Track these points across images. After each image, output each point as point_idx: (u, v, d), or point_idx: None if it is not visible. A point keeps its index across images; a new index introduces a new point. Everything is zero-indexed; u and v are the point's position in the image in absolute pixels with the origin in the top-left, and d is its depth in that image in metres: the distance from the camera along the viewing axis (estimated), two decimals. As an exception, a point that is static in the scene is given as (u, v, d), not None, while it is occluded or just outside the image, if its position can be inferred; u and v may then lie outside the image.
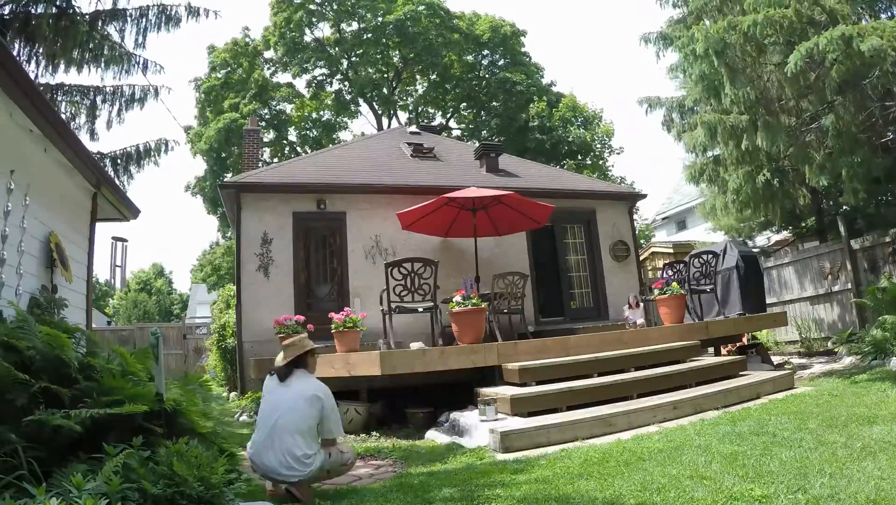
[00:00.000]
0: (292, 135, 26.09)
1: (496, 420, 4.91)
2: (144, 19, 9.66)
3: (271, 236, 8.95)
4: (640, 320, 8.94)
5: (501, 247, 9.95)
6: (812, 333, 10.66)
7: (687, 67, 8.89)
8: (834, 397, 5.31)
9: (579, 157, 24.62)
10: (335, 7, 24.74)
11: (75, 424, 2.62)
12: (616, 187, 15.01)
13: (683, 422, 4.79)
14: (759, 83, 8.30)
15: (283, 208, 9.15)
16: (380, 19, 24.34)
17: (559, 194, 10.75)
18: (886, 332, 7.19)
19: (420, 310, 6.85)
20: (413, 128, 15.30)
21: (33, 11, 8.61)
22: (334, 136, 26.14)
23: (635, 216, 13.48)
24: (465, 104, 26.91)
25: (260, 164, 13.42)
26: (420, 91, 27.88)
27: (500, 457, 4.25)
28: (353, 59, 25.42)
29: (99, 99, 10.12)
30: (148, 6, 9.70)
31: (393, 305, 6.76)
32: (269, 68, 25.43)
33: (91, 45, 9.44)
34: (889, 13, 9.17)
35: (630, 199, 12.05)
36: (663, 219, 27.36)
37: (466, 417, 5.25)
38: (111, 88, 10.20)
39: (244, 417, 7.59)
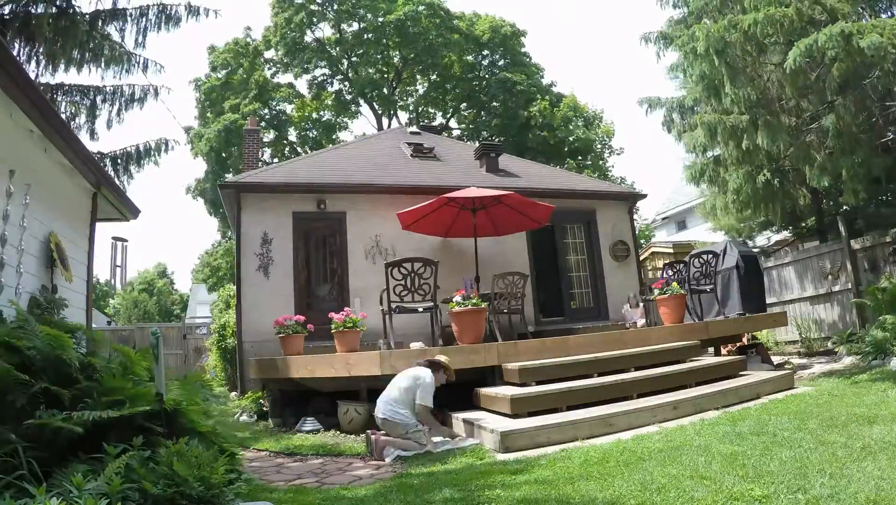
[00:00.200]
0: (292, 135, 26.09)
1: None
2: (144, 19, 9.66)
3: (271, 236, 8.95)
4: (641, 321, 8.94)
5: (501, 247, 9.95)
6: (812, 333, 10.66)
7: (687, 67, 8.89)
8: (834, 397, 5.31)
9: (579, 158, 24.62)
10: (336, 7, 24.73)
11: (76, 427, 2.62)
12: (616, 187, 15.00)
13: (683, 422, 4.79)
14: (759, 83, 8.31)
15: (283, 208, 9.14)
16: (380, 19, 24.33)
17: (559, 194, 10.74)
18: (886, 332, 7.19)
19: (420, 310, 6.85)
20: (413, 128, 15.29)
21: (33, 11, 8.62)
22: (334, 136, 26.14)
23: (635, 216, 13.48)
24: (465, 104, 26.91)
25: (260, 165, 13.42)
26: (420, 91, 27.88)
27: (500, 457, 4.25)
28: (354, 59, 25.42)
29: (99, 99, 10.13)
30: (148, 6, 9.71)
31: (393, 305, 6.76)
32: (269, 68, 25.43)
33: (91, 45, 9.44)
34: (890, 12, 9.17)
35: (630, 199, 12.04)
36: (663, 219, 27.37)
37: (467, 418, 5.25)
38: (111, 88, 10.21)
39: (244, 417, 7.60)
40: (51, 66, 9.23)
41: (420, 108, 27.92)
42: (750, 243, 13.63)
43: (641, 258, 14.06)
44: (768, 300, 10.85)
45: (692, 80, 9.20)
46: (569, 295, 10.78)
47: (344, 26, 25.46)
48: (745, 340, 8.80)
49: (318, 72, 25.67)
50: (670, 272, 8.21)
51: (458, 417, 5.36)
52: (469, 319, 6.22)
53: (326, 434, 5.95)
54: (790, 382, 6.21)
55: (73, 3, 8.94)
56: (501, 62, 25.94)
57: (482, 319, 6.39)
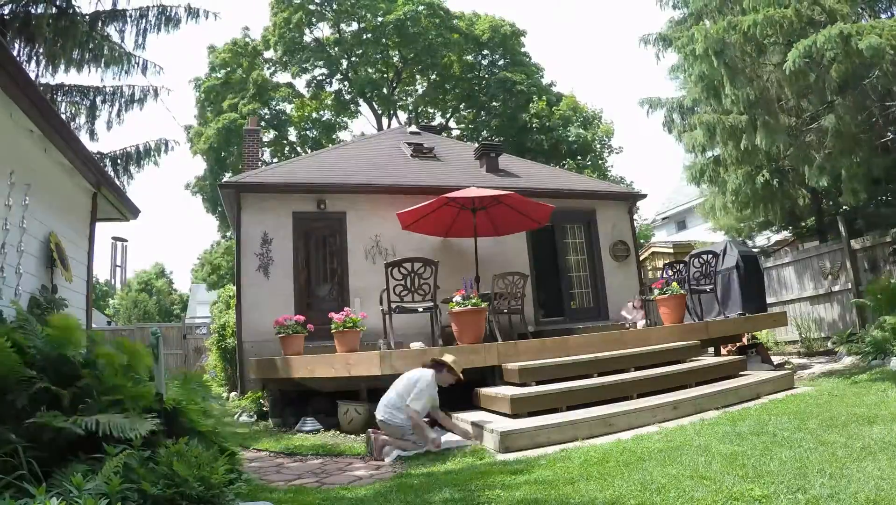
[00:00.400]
0: (292, 135, 26.10)
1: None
2: (144, 20, 9.67)
3: (271, 236, 8.95)
4: (641, 322, 8.94)
5: (501, 247, 9.95)
6: (812, 332, 10.66)
7: (687, 68, 8.90)
8: (834, 397, 5.31)
9: (579, 158, 24.62)
10: (335, 7, 24.73)
11: (77, 428, 2.62)
12: (616, 187, 15.00)
13: (683, 422, 4.79)
14: (758, 83, 8.30)
15: (283, 208, 9.15)
16: (380, 19, 24.33)
17: (559, 194, 10.75)
18: (886, 332, 7.19)
19: (420, 310, 6.85)
20: (413, 128, 15.29)
21: (33, 11, 8.62)
22: (334, 136, 26.14)
23: (635, 216, 13.47)
24: (464, 104, 26.91)
25: (260, 164, 13.42)
26: (420, 91, 27.88)
27: (500, 457, 4.25)
28: (353, 59, 25.42)
29: (99, 99, 10.13)
30: (148, 7, 9.72)
31: (393, 305, 6.76)
32: (268, 68, 25.43)
33: (91, 46, 9.44)
34: (889, 13, 9.17)
35: (630, 199, 12.04)
36: (663, 219, 27.38)
37: (467, 418, 5.25)
38: (111, 89, 10.21)
39: (244, 417, 7.59)
40: (51, 67, 9.23)
41: (420, 108, 27.92)
42: (750, 243, 13.62)
43: (641, 258, 14.07)
44: (768, 300, 10.85)
45: (692, 80, 9.20)
46: (569, 295, 10.78)
47: (343, 26, 25.46)
48: (745, 340, 8.80)
49: (317, 71, 25.68)
50: (670, 272, 8.21)
51: (458, 417, 5.36)
52: (469, 319, 6.22)
53: (326, 434, 5.95)
54: (790, 382, 6.21)
55: (73, 3, 8.95)
56: (501, 62, 25.94)
57: (482, 319, 6.39)
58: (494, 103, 25.01)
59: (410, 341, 7.06)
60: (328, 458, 4.90)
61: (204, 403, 3.70)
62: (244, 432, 6.44)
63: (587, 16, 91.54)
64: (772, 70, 8.31)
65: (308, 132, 26.06)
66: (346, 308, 6.89)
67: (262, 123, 23.33)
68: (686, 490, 2.89)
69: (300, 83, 26.18)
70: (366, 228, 9.46)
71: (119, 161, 10.34)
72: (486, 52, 25.96)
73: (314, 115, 26.18)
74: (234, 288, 9.89)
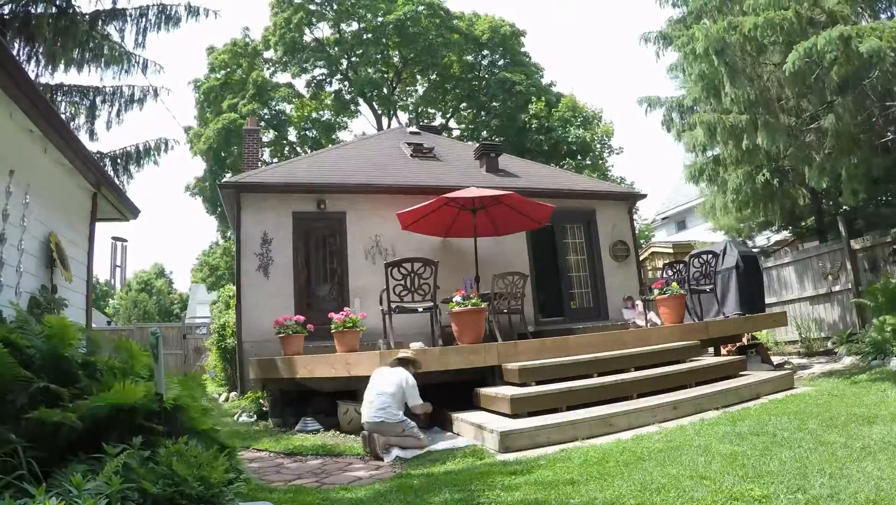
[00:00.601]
0: (292, 135, 26.10)
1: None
2: (144, 19, 9.66)
3: (271, 236, 8.95)
4: (641, 322, 8.94)
5: (501, 247, 9.95)
6: (812, 333, 10.66)
7: (687, 67, 8.90)
8: (834, 397, 5.31)
9: (579, 158, 24.63)
10: (335, 7, 24.73)
11: (76, 420, 2.61)
12: (616, 187, 15.01)
13: (683, 422, 4.79)
14: (759, 83, 8.31)
15: (283, 208, 9.15)
16: (380, 19, 24.34)
17: (559, 194, 10.75)
18: (886, 332, 7.19)
19: (420, 310, 6.85)
20: (413, 128, 15.30)
21: (33, 11, 8.62)
22: (334, 136, 26.14)
23: (635, 216, 13.48)
24: (464, 104, 26.92)
25: (260, 165, 13.42)
26: (420, 91, 27.89)
27: (500, 457, 4.25)
28: (353, 59, 25.42)
29: (98, 99, 10.13)
30: (148, 6, 9.72)
31: (393, 305, 6.75)
32: (268, 68, 25.43)
33: (91, 45, 9.44)
34: (889, 14, 9.17)
35: (630, 199, 12.05)
36: (663, 219, 27.39)
37: (466, 418, 5.25)
38: (111, 89, 10.21)
39: (244, 417, 7.60)
40: (50, 66, 9.23)
41: (420, 108, 27.93)
42: (750, 243, 13.63)
43: (641, 258, 14.07)
44: (768, 300, 10.85)
45: (691, 79, 9.20)
46: (569, 295, 10.78)
47: (343, 26, 25.46)
48: (745, 340, 8.80)
49: (317, 71, 25.70)
50: (670, 272, 8.21)
51: (458, 417, 5.36)
52: (469, 319, 6.22)
53: (326, 434, 5.95)
54: (790, 382, 6.20)
55: (73, 3, 8.95)
56: (501, 62, 25.95)
57: (482, 319, 6.39)
58: (494, 103, 25.02)
59: (410, 341, 7.06)
60: (328, 458, 4.91)
61: (204, 403, 3.70)
62: (244, 432, 6.44)
63: (587, 16, 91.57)
64: (772, 70, 8.31)
65: (308, 132, 26.07)
66: (345, 308, 6.89)
67: (262, 123, 23.34)
68: (686, 490, 2.89)
69: (300, 83, 26.23)
70: (366, 228, 9.46)
71: (119, 161, 10.34)
72: (485, 52, 25.97)
73: (314, 115, 26.18)
74: (234, 288, 9.89)
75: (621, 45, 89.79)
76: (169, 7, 9.78)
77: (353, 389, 6.04)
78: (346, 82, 25.89)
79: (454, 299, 6.26)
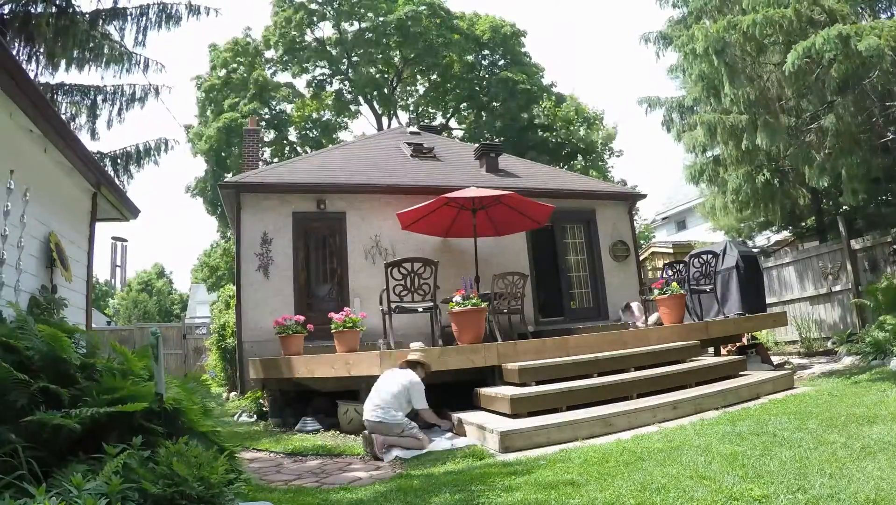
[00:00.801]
0: (292, 135, 26.09)
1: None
2: (145, 18, 9.65)
3: (271, 236, 8.95)
4: (641, 323, 8.94)
5: (501, 247, 9.95)
6: (812, 333, 10.66)
7: (687, 67, 8.90)
8: (834, 397, 5.31)
9: (580, 158, 24.63)
10: (336, 7, 24.72)
11: (75, 424, 2.62)
12: (616, 187, 15.01)
13: (683, 422, 4.79)
14: (759, 83, 8.31)
15: (283, 208, 9.15)
16: (381, 19, 24.33)
17: (559, 194, 10.75)
18: (886, 332, 7.19)
19: (420, 310, 6.85)
20: (413, 128, 15.29)
21: (33, 11, 8.61)
22: (335, 136, 26.13)
23: (635, 216, 13.48)
24: (465, 104, 26.91)
25: (260, 164, 13.42)
26: (420, 91, 27.88)
27: (500, 457, 4.25)
28: (354, 58, 25.41)
29: (99, 98, 10.12)
30: (148, 4, 9.70)
31: (393, 305, 6.76)
32: (269, 68, 25.42)
33: (91, 45, 9.43)
34: (889, 13, 9.17)
35: (630, 199, 12.05)
36: (663, 219, 27.38)
37: (466, 418, 5.25)
38: (111, 88, 10.20)
39: (244, 417, 7.60)
40: (51, 66, 9.22)
41: (420, 108, 27.92)
42: (750, 243, 13.63)
43: (641, 258, 14.07)
44: (768, 300, 10.85)
45: (691, 79, 9.20)
46: (569, 295, 10.78)
47: (345, 26, 25.45)
48: (745, 340, 8.80)
49: (317, 71, 25.69)
50: (670, 272, 8.21)
51: (458, 417, 5.36)
52: (469, 318, 6.22)
53: (326, 434, 5.95)
54: (790, 382, 6.20)
55: (73, 2, 8.95)
56: (502, 62, 25.94)
57: (482, 319, 6.39)
58: (495, 103, 25.01)
59: (410, 341, 7.06)
60: (328, 458, 4.91)
61: (204, 403, 3.70)
62: (244, 432, 6.44)
63: (587, 16, 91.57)
64: (772, 70, 8.31)
65: (308, 132, 26.07)
66: (345, 308, 6.89)
67: (262, 123, 23.34)
68: (686, 490, 2.89)
69: (301, 83, 26.22)
70: (366, 228, 9.46)
71: (119, 160, 10.33)
72: (486, 52, 25.96)
73: (314, 115, 26.17)
74: (234, 288, 9.90)
75: (622, 46, 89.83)
76: (169, 6, 9.77)
77: (353, 389, 6.05)
78: (346, 82, 25.89)
79: (454, 299, 6.27)
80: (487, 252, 9.46)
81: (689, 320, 8.09)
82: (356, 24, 25.32)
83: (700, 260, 8.45)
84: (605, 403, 5.19)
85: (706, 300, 8.79)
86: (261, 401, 7.70)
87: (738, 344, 8.67)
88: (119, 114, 10.23)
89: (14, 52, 8.09)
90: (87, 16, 9.28)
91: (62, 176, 5.73)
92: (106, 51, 9.67)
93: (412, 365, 5.26)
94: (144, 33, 9.64)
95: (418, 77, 27.41)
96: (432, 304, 6.84)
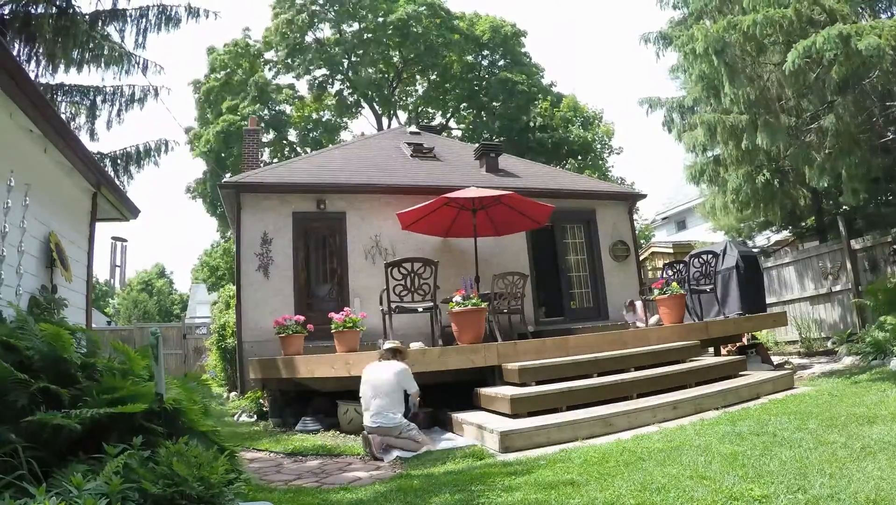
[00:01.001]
0: (292, 135, 26.08)
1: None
2: (144, 20, 9.66)
3: (271, 236, 8.95)
4: (641, 324, 8.94)
5: (501, 247, 9.95)
6: (812, 333, 10.66)
7: (687, 67, 8.89)
8: (834, 397, 5.31)
9: (579, 157, 24.62)
10: (336, 8, 24.71)
11: (76, 424, 2.62)
12: (616, 187, 15.01)
13: (683, 422, 4.79)
14: (759, 83, 8.30)
15: (283, 208, 9.14)
16: (381, 19, 24.32)
17: (559, 194, 10.75)
18: (886, 332, 7.19)
19: (420, 310, 6.85)
20: (413, 128, 15.29)
21: (33, 11, 8.61)
22: (336, 137, 26.12)
23: (635, 216, 13.48)
24: (465, 104, 26.90)
25: (260, 165, 13.41)
26: (420, 91, 27.86)
27: (500, 457, 4.25)
28: (354, 59, 25.40)
29: (99, 99, 10.12)
30: (148, 6, 9.71)
31: (393, 305, 6.76)
32: (270, 69, 25.41)
33: (91, 45, 9.43)
34: (889, 13, 9.17)
35: (630, 199, 12.05)
36: (663, 219, 27.37)
37: (466, 418, 5.25)
38: (111, 89, 10.20)
39: (244, 417, 7.60)
40: (51, 67, 9.22)
41: (420, 109, 27.91)
42: (750, 243, 13.63)
43: (641, 258, 14.07)
44: (768, 300, 10.85)
45: (692, 80, 9.20)
46: (569, 295, 10.78)
47: (344, 26, 25.44)
48: (745, 340, 8.80)
49: (318, 72, 25.66)
50: (670, 272, 8.21)
51: (458, 417, 5.36)
52: (469, 318, 6.22)
53: (326, 434, 5.96)
54: (790, 382, 6.21)
55: (73, 3, 8.94)
56: (501, 62, 25.93)
57: (482, 319, 6.39)
58: (495, 104, 25.00)
59: (410, 341, 7.06)
60: (328, 458, 4.91)
61: (205, 403, 3.71)
62: (244, 432, 6.44)
63: (588, 16, 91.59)
64: (772, 70, 8.31)
65: (308, 133, 26.06)
66: (345, 308, 6.89)
67: (263, 124, 23.32)
68: (686, 490, 2.89)
69: (301, 84, 26.21)
70: (366, 228, 9.46)
71: (119, 161, 10.33)
72: (486, 52, 25.95)
73: (314, 115, 26.16)
74: (234, 288, 9.90)
75: (622, 46, 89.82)
76: (169, 8, 9.78)
77: (353, 389, 6.03)
78: (346, 83, 25.87)
79: (454, 299, 6.27)
80: (487, 252, 9.46)
81: (689, 320, 8.09)
82: (356, 24, 25.32)
83: (700, 260, 8.45)
84: (605, 403, 5.19)
85: (706, 300, 8.79)
86: (261, 401, 7.70)
87: (738, 344, 8.67)
88: (118, 115, 10.23)
89: (14, 53, 8.09)
90: (88, 17, 9.28)
91: (62, 176, 5.73)
92: (106, 52, 9.67)
93: (392, 353, 5.30)
94: (144, 35, 9.65)
95: (418, 77, 27.39)
96: (432, 304, 6.84)
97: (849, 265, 9.94)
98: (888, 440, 3.48)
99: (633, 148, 63.89)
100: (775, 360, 9.16)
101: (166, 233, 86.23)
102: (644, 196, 12.45)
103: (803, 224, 12.86)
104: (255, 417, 7.53)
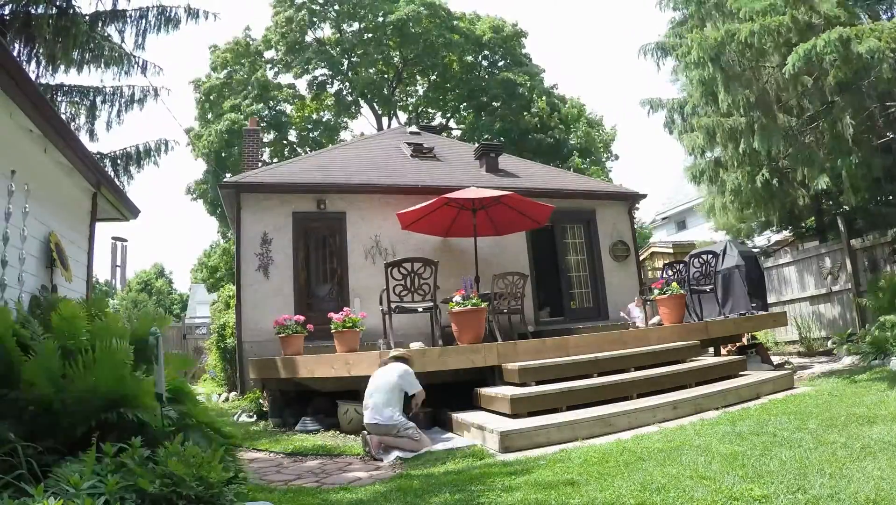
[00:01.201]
0: (292, 135, 26.07)
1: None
2: (144, 20, 9.65)
3: (271, 236, 8.95)
4: (641, 324, 8.93)
5: (501, 247, 9.95)
6: (812, 332, 10.66)
7: (687, 73, 8.91)
8: (834, 397, 5.31)
9: (579, 158, 24.61)
10: (336, 7, 24.71)
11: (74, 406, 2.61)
12: (616, 187, 14.99)
13: (683, 422, 4.79)
14: (757, 85, 8.31)
15: (283, 208, 9.15)
16: (381, 19, 24.32)
17: (559, 194, 10.75)
18: (886, 332, 7.19)
19: (420, 310, 6.85)
20: (413, 128, 15.30)
21: (33, 12, 8.60)
22: (337, 137, 26.12)
23: (635, 216, 13.47)
24: (465, 105, 26.89)
25: (260, 165, 13.42)
26: (420, 91, 27.86)
27: (500, 457, 4.24)
28: (354, 59, 25.39)
29: (99, 99, 10.12)
30: (147, 7, 9.70)
31: (393, 305, 6.75)
32: (270, 69, 25.40)
33: (91, 46, 9.43)
34: (889, 14, 9.17)
35: (630, 199, 12.04)
36: (663, 219, 27.37)
37: (466, 418, 5.25)
38: (111, 89, 10.20)
39: (244, 417, 7.59)
40: (51, 67, 9.22)
41: (420, 109, 27.91)
42: (750, 243, 13.63)
43: (641, 258, 14.07)
44: (769, 300, 10.84)
45: (692, 84, 9.20)
46: (569, 295, 10.78)
47: (344, 26, 25.44)
48: (744, 340, 8.80)
49: (318, 72, 25.64)
50: (670, 272, 8.21)
51: (458, 418, 5.36)
52: (469, 318, 6.22)
53: (326, 434, 5.95)
54: (790, 382, 6.20)
55: (74, 3, 8.93)
56: (502, 63, 25.92)
57: (482, 319, 6.39)
58: (495, 104, 24.99)
59: (410, 341, 7.06)
60: (328, 458, 4.90)
61: (204, 403, 3.71)
62: (244, 432, 6.43)
63: (588, 17, 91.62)
64: (771, 72, 8.31)
65: (308, 133, 26.05)
66: (345, 308, 6.89)
67: (263, 124, 23.31)
68: (686, 490, 2.89)
69: (301, 84, 26.20)
70: (366, 228, 9.46)
71: (119, 161, 10.33)
72: (486, 52, 25.93)
73: (315, 115, 26.16)
74: (234, 288, 9.90)
75: (622, 46, 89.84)
76: (169, 9, 9.77)
77: (353, 389, 6.04)
78: (346, 83, 25.87)
79: (454, 299, 6.26)
80: (487, 252, 9.46)
81: (689, 320, 8.08)
82: (356, 24, 25.31)
83: (700, 260, 8.45)
84: (605, 403, 5.18)
85: (706, 300, 8.78)
86: (260, 401, 7.70)
87: (738, 344, 8.67)
88: (118, 115, 10.23)
89: (14, 53, 8.09)
90: (88, 17, 9.27)
91: (62, 176, 5.73)
92: (105, 52, 9.67)
93: (397, 359, 5.29)
94: (144, 36, 9.64)
95: (418, 77, 27.38)
96: (432, 304, 6.84)
97: (849, 265, 9.94)
98: (888, 440, 3.48)
99: (634, 148, 63.93)
100: (775, 360, 9.15)
101: (166, 233, 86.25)
102: (644, 196, 12.43)
103: (803, 224, 12.85)
104: (255, 417, 7.53)
